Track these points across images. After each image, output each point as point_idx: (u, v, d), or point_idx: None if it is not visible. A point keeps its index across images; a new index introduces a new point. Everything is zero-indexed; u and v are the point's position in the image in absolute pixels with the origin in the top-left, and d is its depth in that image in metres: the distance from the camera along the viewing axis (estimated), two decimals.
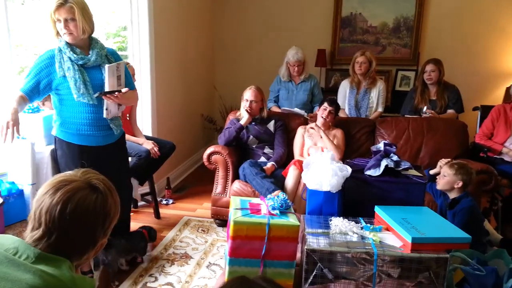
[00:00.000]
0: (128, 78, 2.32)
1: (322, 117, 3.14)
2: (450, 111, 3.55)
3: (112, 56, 2.30)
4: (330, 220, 1.97)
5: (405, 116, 3.62)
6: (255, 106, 3.19)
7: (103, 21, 3.24)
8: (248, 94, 3.20)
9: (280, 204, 1.93)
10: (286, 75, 3.78)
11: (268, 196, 2.41)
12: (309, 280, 1.75)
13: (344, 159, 2.96)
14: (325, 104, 3.15)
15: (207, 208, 3.45)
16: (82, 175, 1.03)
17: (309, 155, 3.08)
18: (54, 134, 2.25)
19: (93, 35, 2.22)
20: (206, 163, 3.13)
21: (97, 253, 1.11)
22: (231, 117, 3.47)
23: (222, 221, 3.15)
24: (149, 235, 2.61)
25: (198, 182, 4.33)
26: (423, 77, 3.56)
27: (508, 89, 4.35)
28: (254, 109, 3.19)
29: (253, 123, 3.24)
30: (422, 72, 3.57)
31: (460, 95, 3.58)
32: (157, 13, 3.59)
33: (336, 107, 3.17)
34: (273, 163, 3.06)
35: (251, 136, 3.22)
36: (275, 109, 3.82)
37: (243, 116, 3.17)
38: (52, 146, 2.26)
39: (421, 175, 2.23)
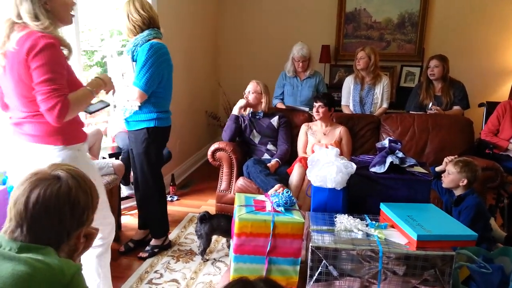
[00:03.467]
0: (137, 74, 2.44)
1: (316, 116, 3.18)
2: (456, 107, 3.52)
3: (133, 52, 2.45)
4: (335, 217, 1.96)
5: (410, 112, 3.60)
6: (253, 98, 3.21)
7: (107, 18, 3.23)
8: (248, 86, 3.27)
9: (284, 201, 1.92)
10: (291, 70, 3.78)
11: (271, 192, 2.40)
12: (314, 277, 1.74)
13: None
14: (314, 103, 3.19)
15: (212, 204, 3.46)
16: (51, 167, 1.05)
17: (313, 152, 3.07)
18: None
19: (145, 32, 2.44)
20: (210, 160, 3.13)
21: (88, 245, 1.11)
22: None
23: None
24: None
25: (202, 179, 4.34)
26: (427, 73, 3.54)
27: None
28: (252, 100, 3.22)
29: (256, 116, 3.24)
30: (427, 67, 3.55)
31: (466, 92, 3.55)
32: (162, 10, 3.58)
33: (325, 100, 3.14)
34: (277, 160, 3.06)
35: (254, 130, 3.22)
36: (280, 105, 3.81)
37: (238, 104, 3.21)
38: None
39: (426, 172, 2.21)
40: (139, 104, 2.47)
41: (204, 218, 2.59)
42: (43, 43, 1.54)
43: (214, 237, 2.89)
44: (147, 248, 2.71)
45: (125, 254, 2.74)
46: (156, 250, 2.71)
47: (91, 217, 1.06)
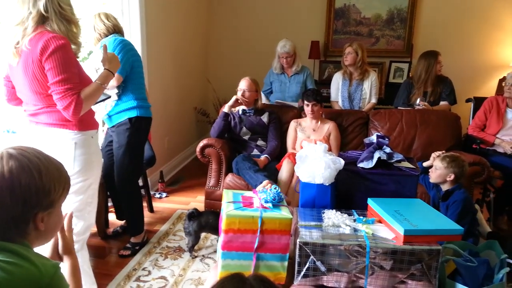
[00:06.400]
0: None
1: (310, 115, 3.15)
2: (443, 103, 3.55)
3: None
4: (323, 213, 1.96)
5: (398, 108, 3.62)
6: (248, 96, 3.19)
7: (93, 12, 3.18)
8: (242, 84, 3.22)
9: (272, 197, 1.92)
10: (278, 67, 3.78)
11: (259, 188, 2.40)
12: (302, 273, 1.75)
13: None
14: (305, 102, 3.14)
15: (201, 201, 3.44)
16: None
17: (301, 148, 3.07)
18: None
19: (111, 35, 2.52)
20: (199, 156, 3.12)
21: (51, 230, 1.02)
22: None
23: None
24: None
25: (191, 175, 4.32)
26: (434, 69, 3.50)
27: (501, 81, 4.36)
28: (247, 98, 3.19)
29: (247, 113, 3.23)
30: (434, 64, 3.49)
31: (453, 87, 3.58)
32: (149, 5, 3.54)
33: (318, 97, 3.11)
34: (266, 155, 3.05)
35: (244, 127, 3.21)
36: (265, 101, 3.82)
37: (229, 102, 3.19)
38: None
39: (413, 167, 2.23)
40: (117, 92, 2.52)
41: (193, 215, 2.58)
42: (55, 45, 1.65)
43: (203, 234, 2.88)
44: (128, 245, 2.72)
45: (112, 238, 2.91)
46: (137, 248, 2.71)
47: (46, 200, 0.96)
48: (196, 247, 2.70)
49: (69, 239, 1.16)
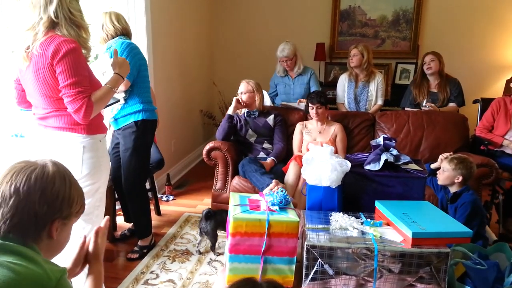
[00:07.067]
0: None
1: (315, 118, 3.15)
2: (451, 104, 3.52)
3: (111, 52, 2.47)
4: (330, 216, 1.95)
5: (405, 109, 3.61)
6: (246, 98, 3.20)
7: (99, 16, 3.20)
8: (240, 87, 3.26)
9: (279, 200, 1.91)
10: (281, 70, 3.79)
11: (266, 190, 2.39)
12: (310, 276, 1.74)
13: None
14: (310, 105, 3.14)
15: (208, 204, 3.45)
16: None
17: (308, 150, 3.06)
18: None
19: (118, 37, 2.53)
20: (205, 159, 3.12)
21: (60, 243, 1.06)
22: None
23: None
24: None
25: (198, 178, 4.33)
26: (422, 69, 3.53)
27: (508, 81, 4.33)
28: (245, 101, 3.21)
29: (252, 115, 3.23)
30: (422, 64, 3.55)
31: (462, 89, 3.56)
32: (155, 8, 3.56)
33: (322, 100, 3.09)
34: (273, 158, 3.05)
35: (250, 130, 3.21)
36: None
37: (232, 105, 3.21)
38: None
39: (421, 169, 2.21)
40: (124, 96, 2.53)
41: (210, 214, 2.62)
42: (66, 49, 1.67)
43: None
44: (135, 248, 2.73)
45: (120, 241, 2.91)
46: (145, 251, 2.72)
47: (66, 210, 1.02)
48: (203, 250, 2.71)
49: (100, 245, 1.19)
